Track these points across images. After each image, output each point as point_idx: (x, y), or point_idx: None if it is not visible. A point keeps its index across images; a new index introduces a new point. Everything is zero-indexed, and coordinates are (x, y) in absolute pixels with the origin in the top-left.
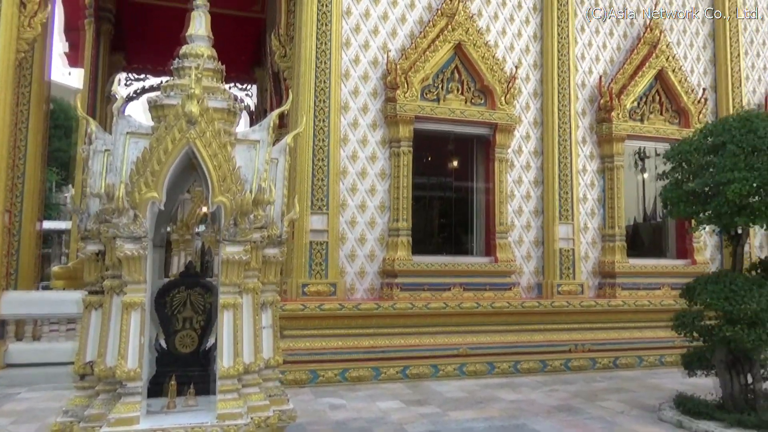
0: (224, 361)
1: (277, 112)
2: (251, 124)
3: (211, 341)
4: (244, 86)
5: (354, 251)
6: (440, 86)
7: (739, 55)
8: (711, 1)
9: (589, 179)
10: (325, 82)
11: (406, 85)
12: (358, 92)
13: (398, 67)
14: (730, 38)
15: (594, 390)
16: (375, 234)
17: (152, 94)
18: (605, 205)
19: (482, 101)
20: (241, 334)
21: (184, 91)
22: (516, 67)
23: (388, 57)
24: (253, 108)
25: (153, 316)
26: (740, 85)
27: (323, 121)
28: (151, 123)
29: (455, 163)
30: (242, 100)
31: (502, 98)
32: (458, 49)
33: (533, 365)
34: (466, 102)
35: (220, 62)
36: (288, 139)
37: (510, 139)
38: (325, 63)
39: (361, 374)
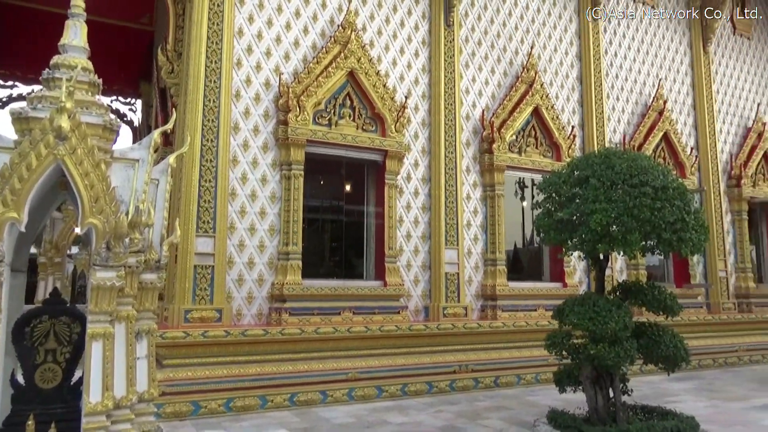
0: (91, 397)
1: (159, 130)
2: (135, 141)
3: (78, 375)
4: (128, 100)
5: (242, 275)
6: (333, 111)
7: (602, 98)
8: (578, 49)
9: (473, 206)
10: (214, 101)
11: (298, 109)
12: (250, 113)
13: (291, 90)
14: (595, 83)
15: (477, 409)
16: (264, 258)
17: (17, 105)
18: (488, 231)
19: (374, 128)
20: (112, 367)
21: (53, 104)
22: (406, 97)
23: (280, 80)
24: (137, 124)
25: (10, 348)
26: (603, 124)
27: (212, 141)
28: (15, 136)
29: (348, 188)
30: (125, 115)
31: (393, 126)
32: (351, 76)
33: (420, 387)
34: (358, 128)
35: (97, 75)
36: (171, 159)
37: (400, 166)
38: (215, 82)
39: (247, 403)
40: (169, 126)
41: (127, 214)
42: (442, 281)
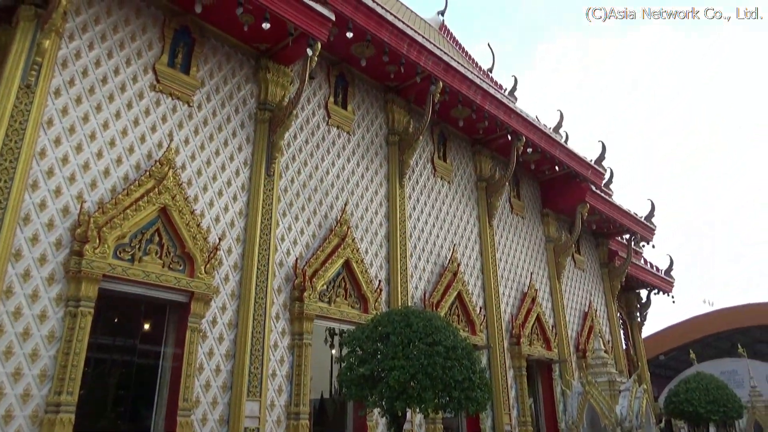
0: None
1: None
2: None
3: None
4: None
5: None
6: (138, 247)
7: (406, 257)
8: (387, 211)
9: (280, 355)
10: None
11: (98, 241)
12: (38, 240)
13: (93, 220)
14: (400, 242)
15: None
16: (27, 410)
17: None
18: (293, 381)
19: (181, 267)
20: None
21: None
22: (220, 239)
23: (82, 208)
24: None
25: None
26: (407, 281)
27: None
28: None
29: (146, 329)
30: None
31: (203, 267)
32: (163, 212)
33: None
34: (164, 266)
35: None
36: None
37: (206, 309)
38: (0, 202)
39: None
40: None
41: None
42: None
